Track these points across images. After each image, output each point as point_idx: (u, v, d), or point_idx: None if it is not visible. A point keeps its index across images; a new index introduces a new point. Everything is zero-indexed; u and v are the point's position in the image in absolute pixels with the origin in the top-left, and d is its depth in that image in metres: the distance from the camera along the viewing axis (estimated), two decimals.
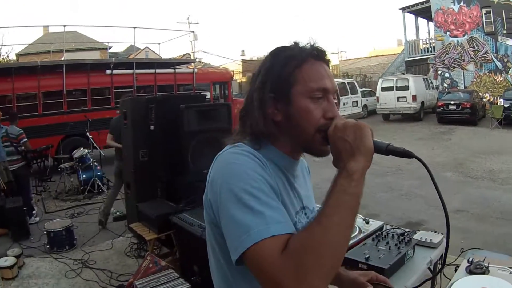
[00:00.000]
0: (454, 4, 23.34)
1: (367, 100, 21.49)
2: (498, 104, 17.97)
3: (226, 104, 5.30)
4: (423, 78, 21.44)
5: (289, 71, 1.12)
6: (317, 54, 1.16)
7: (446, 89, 22.49)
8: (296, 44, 1.19)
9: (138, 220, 4.34)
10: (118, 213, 6.50)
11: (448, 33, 23.81)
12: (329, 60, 1.19)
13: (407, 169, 9.43)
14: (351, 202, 0.97)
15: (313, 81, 1.12)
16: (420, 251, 2.49)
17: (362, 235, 2.65)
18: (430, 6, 24.40)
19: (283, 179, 1.17)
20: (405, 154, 1.07)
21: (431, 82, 22.57)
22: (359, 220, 2.87)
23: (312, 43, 1.18)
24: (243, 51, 45.00)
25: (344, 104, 18.73)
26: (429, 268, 2.47)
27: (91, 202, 7.77)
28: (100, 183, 8.35)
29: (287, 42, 1.21)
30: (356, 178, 0.99)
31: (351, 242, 2.41)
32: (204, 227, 3.10)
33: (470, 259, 2.24)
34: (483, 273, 2.11)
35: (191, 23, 31.75)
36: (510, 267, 2.19)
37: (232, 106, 5.07)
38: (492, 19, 22.10)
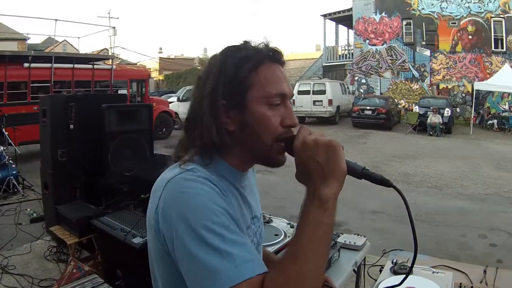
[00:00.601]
0: (376, 14, 24.75)
1: None
2: (413, 110, 19.17)
3: (147, 106, 5.22)
4: (340, 83, 22.38)
5: (244, 74, 1.01)
6: (273, 56, 1.06)
7: (362, 95, 23.70)
8: (247, 43, 1.07)
9: (57, 222, 4.12)
10: (35, 214, 6.14)
11: (367, 41, 25.17)
12: (284, 62, 1.10)
13: None
14: (326, 234, 0.92)
15: (270, 86, 1.02)
16: (345, 254, 2.56)
17: (287, 239, 2.65)
18: (351, 14, 25.58)
19: (237, 195, 1.08)
20: (382, 182, 1.01)
21: (348, 87, 23.63)
22: (283, 224, 2.91)
23: (266, 43, 1.07)
24: (160, 48, 44.51)
25: None
26: (353, 270, 2.56)
27: (6, 202, 7.21)
28: (15, 183, 7.78)
29: (237, 41, 1.10)
30: (330, 207, 0.92)
31: (277, 246, 2.43)
32: (127, 231, 3.03)
33: (394, 260, 2.33)
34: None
35: (111, 17, 30.89)
36: (432, 267, 2.31)
37: None
38: (412, 30, 23.82)
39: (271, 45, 1.07)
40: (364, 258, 2.86)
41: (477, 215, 7.31)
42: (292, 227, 2.88)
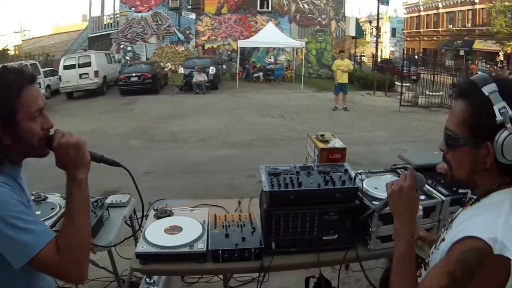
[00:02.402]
0: None
1: (49, 80, 20.14)
2: (179, 72, 19.88)
3: None
4: (106, 53, 21.74)
5: (10, 102, 1.26)
6: (32, 78, 1.33)
7: (128, 62, 23.42)
8: (7, 69, 1.32)
9: None
10: None
11: (133, 8, 24.87)
12: (35, 78, 1.36)
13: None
14: (85, 204, 1.35)
15: (31, 106, 1.30)
16: (114, 211, 2.86)
17: (62, 210, 2.72)
18: None
19: (19, 188, 1.36)
20: (113, 163, 1.50)
21: (113, 57, 23.03)
22: (57, 198, 2.96)
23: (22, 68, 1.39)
24: None
25: None
26: (126, 222, 2.90)
27: None
28: None
29: None
30: (84, 185, 1.33)
31: (54, 218, 2.54)
32: None
33: (155, 207, 2.64)
34: (169, 216, 2.53)
35: None
36: (191, 207, 2.70)
37: None
38: None
39: (28, 72, 1.38)
40: (134, 211, 3.15)
41: (244, 159, 8.22)
42: (65, 198, 2.93)
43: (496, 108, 1.06)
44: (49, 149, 1.36)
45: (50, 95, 19.02)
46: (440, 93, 15.02)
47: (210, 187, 6.54)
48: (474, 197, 1.21)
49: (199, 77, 18.09)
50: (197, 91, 18.05)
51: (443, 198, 2.37)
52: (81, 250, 1.29)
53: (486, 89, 1.07)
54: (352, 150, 8.48)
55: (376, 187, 2.41)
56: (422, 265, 1.34)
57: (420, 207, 1.37)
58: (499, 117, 1.05)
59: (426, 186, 2.51)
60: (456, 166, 1.19)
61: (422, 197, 2.34)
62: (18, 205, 1.24)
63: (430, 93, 14.96)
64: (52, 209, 2.62)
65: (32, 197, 2.33)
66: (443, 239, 1.20)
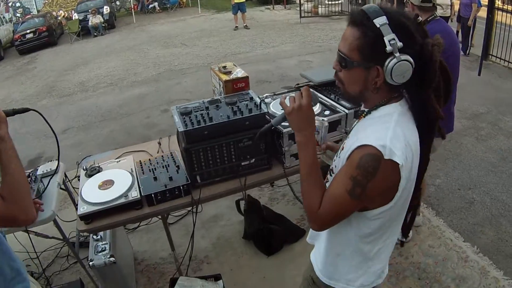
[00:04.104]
0: None
1: None
2: (74, 18, 18.54)
3: None
4: None
5: None
6: None
7: (20, 19, 21.35)
8: None
9: None
10: None
11: None
12: None
13: None
14: (13, 153, 1.46)
15: None
16: (47, 180, 2.86)
17: None
18: None
19: None
20: (24, 110, 1.61)
21: (4, 17, 20.82)
22: None
23: None
24: None
25: None
26: (61, 188, 3.01)
27: None
28: None
29: None
30: (6, 139, 1.43)
31: None
32: None
33: (84, 167, 2.75)
34: (98, 172, 2.67)
35: None
36: (116, 158, 2.86)
37: None
38: None
39: None
40: (65, 175, 3.24)
41: (156, 94, 8.27)
42: None
43: (386, 40, 1.16)
44: None
45: None
46: (340, 1, 15.22)
47: (130, 130, 6.63)
48: (366, 109, 1.36)
49: (95, 19, 17.09)
50: (95, 33, 17.14)
51: (347, 111, 2.67)
52: (22, 193, 1.44)
53: (377, 21, 1.16)
54: (259, 68, 8.92)
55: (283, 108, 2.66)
56: (328, 171, 1.51)
57: (326, 120, 1.57)
58: (389, 47, 1.16)
59: (328, 101, 2.83)
60: (349, 84, 1.30)
61: (327, 112, 2.63)
62: None
63: (330, 2, 15.10)
64: None
65: None
66: (343, 148, 1.35)
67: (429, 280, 2.98)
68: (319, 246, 1.62)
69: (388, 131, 1.21)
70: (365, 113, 1.36)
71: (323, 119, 1.55)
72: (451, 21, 8.39)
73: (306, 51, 10.06)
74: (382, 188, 1.22)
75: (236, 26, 14.02)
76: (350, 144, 1.26)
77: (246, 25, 14.00)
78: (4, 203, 1.39)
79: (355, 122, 1.45)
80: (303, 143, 1.38)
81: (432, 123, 1.31)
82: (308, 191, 1.35)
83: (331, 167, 1.49)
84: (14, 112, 1.56)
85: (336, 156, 1.45)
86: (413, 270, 3.08)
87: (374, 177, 1.18)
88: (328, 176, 1.49)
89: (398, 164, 1.17)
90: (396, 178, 1.21)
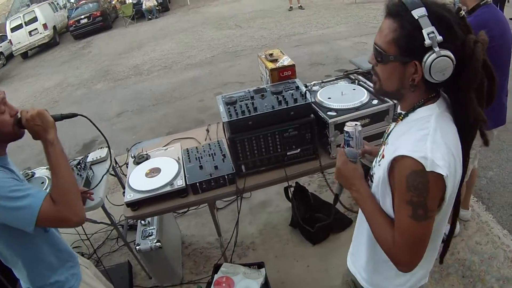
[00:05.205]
0: None
1: (1, 46, 18.84)
2: (127, 2, 18.96)
3: None
4: (49, 3, 20.30)
5: None
6: None
7: (74, 5, 22.04)
8: None
9: None
10: None
11: None
12: None
13: None
14: (62, 157, 1.56)
15: None
16: (97, 168, 3.06)
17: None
18: None
19: (7, 171, 1.55)
20: (72, 115, 1.72)
21: (58, 4, 21.65)
22: (43, 171, 3.14)
23: None
24: None
25: None
26: (111, 173, 3.13)
27: None
28: None
29: None
30: (55, 143, 1.54)
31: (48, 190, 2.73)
32: None
33: (133, 154, 2.83)
34: (146, 159, 2.73)
35: None
36: (164, 146, 2.90)
37: None
38: None
39: None
40: (115, 161, 3.35)
41: (209, 77, 8.28)
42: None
43: (425, 32, 1.09)
44: (22, 129, 1.57)
45: (6, 62, 18.05)
46: None
47: (184, 114, 6.69)
48: (404, 112, 1.30)
49: (148, 3, 17.44)
50: (150, 17, 17.52)
51: (395, 101, 2.56)
52: (71, 195, 1.52)
53: (415, 13, 1.10)
54: (313, 50, 8.73)
55: (330, 97, 2.58)
56: (368, 177, 1.46)
57: (359, 124, 1.52)
58: (427, 41, 1.09)
59: None
60: (385, 79, 1.25)
61: (375, 101, 2.54)
62: (11, 181, 1.45)
63: None
64: (42, 183, 2.84)
65: None
66: (383, 156, 1.29)
67: (473, 279, 2.84)
68: (358, 255, 1.59)
69: (427, 139, 1.14)
70: (402, 116, 1.30)
71: (356, 123, 1.49)
72: (508, 1, 7.83)
73: (361, 32, 9.74)
74: (439, 197, 1.16)
75: (291, 7, 13.79)
76: (390, 152, 1.21)
77: (300, 6, 13.74)
78: (55, 206, 1.46)
79: (392, 126, 1.39)
80: (356, 198, 1.39)
81: (472, 127, 1.22)
82: (379, 233, 1.30)
83: (370, 173, 1.45)
84: (62, 117, 1.66)
85: (376, 162, 1.40)
86: (457, 267, 2.96)
87: (428, 192, 1.12)
88: (369, 182, 1.44)
89: (442, 175, 1.10)
90: (442, 190, 1.15)
